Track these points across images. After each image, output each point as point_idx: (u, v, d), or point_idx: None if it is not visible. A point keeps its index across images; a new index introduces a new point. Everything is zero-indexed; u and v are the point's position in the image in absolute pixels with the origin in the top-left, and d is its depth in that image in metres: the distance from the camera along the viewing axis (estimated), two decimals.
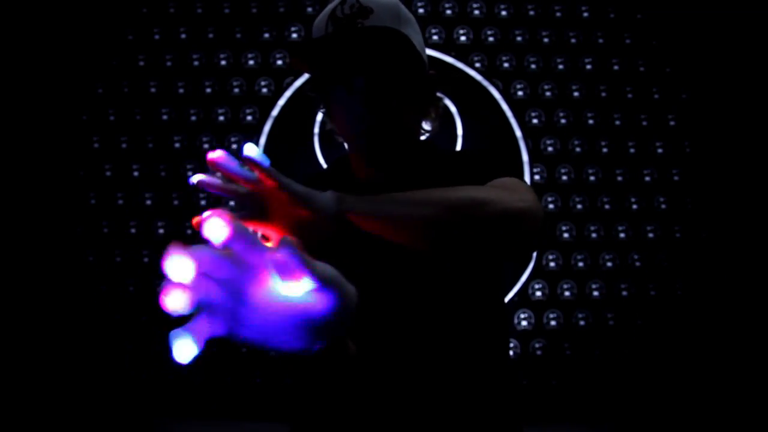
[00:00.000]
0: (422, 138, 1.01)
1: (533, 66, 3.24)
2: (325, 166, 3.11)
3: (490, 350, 0.93)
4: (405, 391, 0.87)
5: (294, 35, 3.23)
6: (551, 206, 3.16)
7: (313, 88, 0.98)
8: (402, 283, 0.88)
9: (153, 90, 3.18)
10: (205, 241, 0.46)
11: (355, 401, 0.88)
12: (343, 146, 1.04)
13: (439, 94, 1.00)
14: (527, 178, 3.09)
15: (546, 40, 3.26)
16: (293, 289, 0.47)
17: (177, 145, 3.17)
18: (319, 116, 3.16)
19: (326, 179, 1.02)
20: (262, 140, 3.16)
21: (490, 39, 3.25)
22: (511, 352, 2.39)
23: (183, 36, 3.21)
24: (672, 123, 3.22)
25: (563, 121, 3.22)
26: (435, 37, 3.23)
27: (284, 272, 0.46)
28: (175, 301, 0.45)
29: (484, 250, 0.77)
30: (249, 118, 3.19)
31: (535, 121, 3.22)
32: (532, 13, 3.26)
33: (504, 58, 3.24)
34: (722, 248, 3.08)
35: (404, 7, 0.94)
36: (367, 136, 0.90)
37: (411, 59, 0.92)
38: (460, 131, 3.15)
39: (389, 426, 0.87)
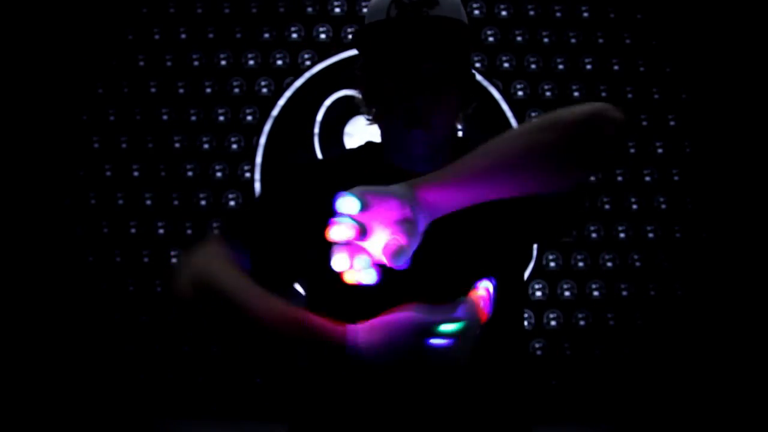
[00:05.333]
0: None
1: (533, 66, 3.24)
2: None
3: (507, 348, 0.92)
4: (412, 391, 0.86)
5: (294, 35, 3.23)
6: None
7: (366, 70, 0.97)
8: (416, 281, 0.87)
9: (153, 90, 3.18)
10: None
11: (362, 400, 0.87)
12: (343, 145, 1.04)
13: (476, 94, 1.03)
14: None
15: (546, 40, 3.25)
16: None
17: (177, 145, 3.17)
18: (320, 116, 3.17)
19: (353, 162, 1.01)
20: (262, 140, 3.16)
21: (490, 39, 3.25)
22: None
23: (183, 36, 3.21)
24: (672, 123, 3.22)
25: None
26: None
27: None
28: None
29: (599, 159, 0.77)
30: (249, 118, 3.19)
31: None
32: (532, 13, 3.26)
33: (504, 58, 3.24)
34: (722, 248, 3.08)
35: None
36: (424, 126, 0.91)
37: (470, 54, 0.97)
38: (459, 132, 3.15)
39: (393, 425, 0.86)
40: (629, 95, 3.23)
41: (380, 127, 1.00)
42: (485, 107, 3.20)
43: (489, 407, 0.89)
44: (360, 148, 1.05)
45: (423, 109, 0.90)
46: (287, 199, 0.95)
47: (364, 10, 1.11)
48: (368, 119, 1.00)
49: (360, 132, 2.97)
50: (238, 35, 3.21)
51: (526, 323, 3.06)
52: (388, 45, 0.91)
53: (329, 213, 0.95)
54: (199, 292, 0.82)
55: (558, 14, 3.27)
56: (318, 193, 0.94)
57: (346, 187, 0.94)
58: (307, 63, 3.21)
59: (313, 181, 0.96)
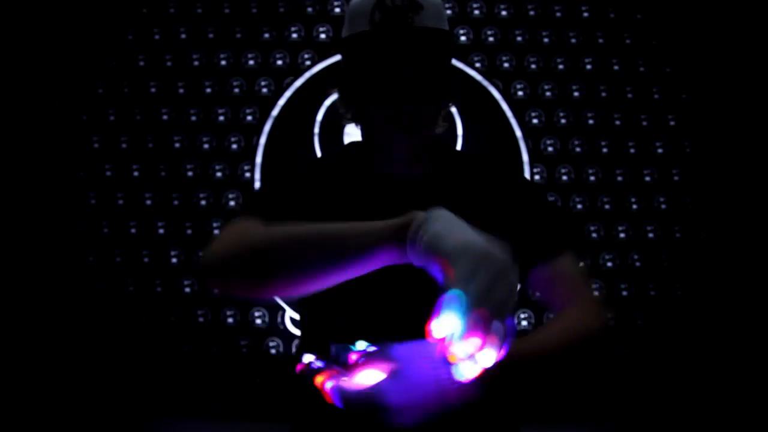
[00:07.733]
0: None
1: (533, 66, 3.24)
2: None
3: None
4: None
5: (294, 35, 3.23)
6: None
7: (349, 74, 0.98)
8: (409, 289, 0.88)
9: (153, 90, 3.18)
10: None
11: None
12: (343, 144, 1.05)
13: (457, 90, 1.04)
14: (527, 178, 3.08)
15: (546, 40, 3.25)
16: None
17: (177, 145, 3.17)
18: (320, 116, 3.17)
19: (335, 167, 1.02)
20: (262, 140, 3.16)
21: (490, 39, 3.25)
22: None
23: (183, 36, 3.21)
24: (672, 123, 3.22)
25: (563, 121, 3.22)
26: None
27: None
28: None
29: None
30: (249, 118, 3.19)
31: (535, 121, 3.22)
32: (532, 13, 3.26)
33: (504, 58, 3.24)
34: (722, 248, 3.08)
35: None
36: (408, 131, 0.93)
37: (451, 60, 0.99)
38: (460, 131, 3.15)
39: (390, 426, 0.87)
40: (629, 95, 3.23)
41: (362, 128, 1.02)
42: (485, 107, 3.20)
43: (478, 405, 0.90)
44: (345, 148, 1.07)
45: (407, 115, 0.91)
46: (286, 200, 0.96)
47: None
48: (347, 119, 1.02)
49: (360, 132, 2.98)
50: (238, 35, 3.21)
51: (525, 323, 3.07)
52: (373, 56, 0.92)
53: (319, 214, 0.96)
54: (259, 252, 0.77)
55: (558, 14, 3.27)
56: (309, 195, 0.96)
57: (331, 190, 0.96)
58: (307, 63, 3.21)
59: (305, 183, 0.99)
